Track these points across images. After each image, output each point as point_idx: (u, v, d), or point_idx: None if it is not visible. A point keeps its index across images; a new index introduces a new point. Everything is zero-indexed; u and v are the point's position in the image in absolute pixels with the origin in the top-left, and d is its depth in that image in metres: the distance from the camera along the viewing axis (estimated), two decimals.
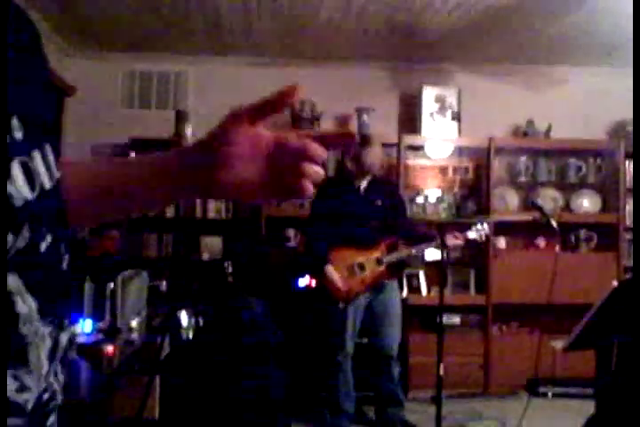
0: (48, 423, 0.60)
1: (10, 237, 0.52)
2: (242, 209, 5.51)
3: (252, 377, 3.61)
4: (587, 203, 5.64)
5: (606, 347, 3.19)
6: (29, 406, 0.57)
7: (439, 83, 5.70)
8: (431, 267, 5.27)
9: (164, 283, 4.06)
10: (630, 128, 5.72)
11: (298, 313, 4.66)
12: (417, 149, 5.61)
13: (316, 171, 0.76)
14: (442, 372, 3.64)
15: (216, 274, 4.43)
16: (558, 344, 3.49)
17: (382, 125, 5.50)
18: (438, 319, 3.81)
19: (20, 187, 0.53)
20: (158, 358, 3.32)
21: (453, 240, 4.08)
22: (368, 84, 5.73)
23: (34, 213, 0.54)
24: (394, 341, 4.17)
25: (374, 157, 4.19)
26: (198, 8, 4.58)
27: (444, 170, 5.67)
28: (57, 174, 0.59)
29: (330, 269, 4.02)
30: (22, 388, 0.56)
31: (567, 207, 5.64)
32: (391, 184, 4.78)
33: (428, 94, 5.62)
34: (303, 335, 4.62)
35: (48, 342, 0.59)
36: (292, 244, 5.30)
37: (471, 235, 4.15)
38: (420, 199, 5.52)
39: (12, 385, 0.54)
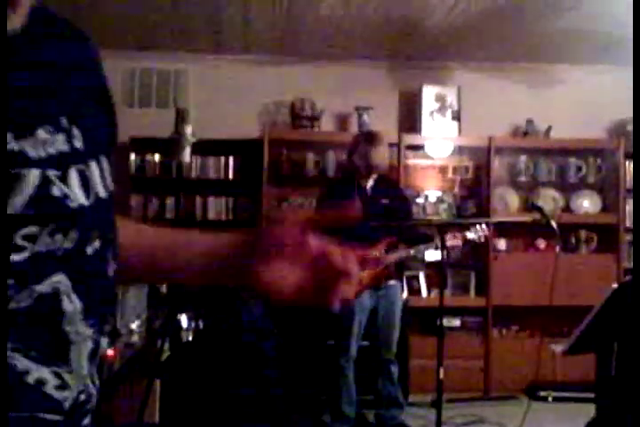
0: (83, 424, 0.61)
1: (59, 237, 0.54)
2: (241, 210, 5.51)
3: (252, 380, 3.61)
4: (587, 203, 5.64)
5: (606, 350, 3.19)
6: (67, 404, 0.58)
7: (439, 81, 5.69)
8: (431, 269, 5.26)
9: (164, 285, 4.05)
10: (630, 127, 5.71)
11: (298, 315, 4.65)
12: (417, 148, 5.60)
13: (350, 290, 0.78)
14: (442, 375, 3.64)
15: None
16: (558, 348, 3.48)
17: (382, 124, 5.47)
18: (438, 322, 3.81)
19: (75, 191, 0.56)
20: (159, 361, 3.31)
21: (452, 240, 4.07)
22: (368, 82, 5.71)
23: (85, 217, 0.57)
24: (393, 342, 4.20)
25: (382, 155, 4.20)
26: (198, 6, 4.56)
27: (443, 170, 5.66)
28: (111, 186, 0.63)
29: None
30: (62, 386, 0.57)
31: (567, 208, 5.63)
32: (396, 184, 4.76)
33: (428, 93, 5.60)
34: (304, 338, 4.61)
35: (89, 344, 0.60)
36: None
37: (470, 235, 4.13)
38: (419, 199, 5.51)
39: (52, 382, 0.56)
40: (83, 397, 0.60)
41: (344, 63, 5.67)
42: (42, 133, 0.54)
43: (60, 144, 0.55)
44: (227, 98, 5.55)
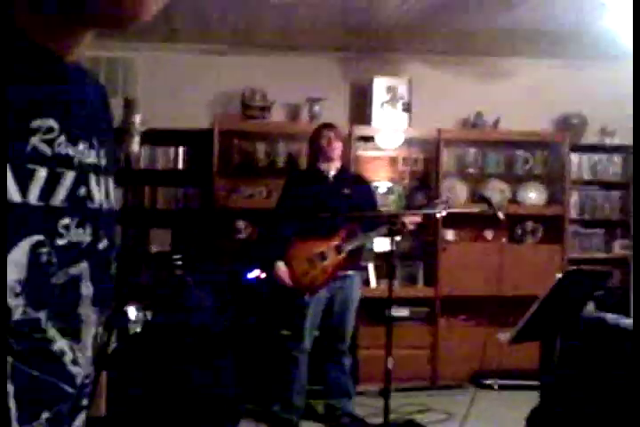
0: (82, 404, 0.67)
1: (80, 230, 0.64)
2: (191, 200, 5.46)
3: (202, 372, 3.59)
4: (533, 195, 5.73)
5: (550, 339, 3.27)
6: (78, 380, 0.64)
7: (390, 73, 5.71)
8: (380, 259, 5.29)
9: None
10: (575, 121, 5.82)
11: (249, 306, 4.64)
12: (367, 139, 5.62)
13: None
14: (390, 365, 3.67)
15: (165, 267, 4.39)
16: (502, 337, 3.54)
17: (333, 116, 5.47)
18: (387, 312, 3.83)
19: (95, 196, 0.67)
20: (105, 353, 3.27)
21: (411, 217, 4.04)
22: (319, 73, 5.70)
23: (98, 218, 0.67)
24: (347, 333, 4.20)
25: (335, 142, 4.21)
26: None
27: (393, 161, 5.69)
28: (116, 203, 0.75)
29: (279, 266, 3.98)
30: (75, 362, 0.63)
31: (514, 199, 5.71)
32: (359, 175, 4.75)
33: (379, 85, 5.62)
34: (255, 328, 4.60)
35: (93, 329, 0.67)
36: (243, 235, 5.27)
37: (428, 210, 4.08)
38: None
39: (69, 355, 0.62)
40: (87, 380, 0.66)
41: (296, 54, 5.66)
42: (82, 146, 0.66)
43: (91, 158, 0.67)
44: (177, 87, 5.49)
